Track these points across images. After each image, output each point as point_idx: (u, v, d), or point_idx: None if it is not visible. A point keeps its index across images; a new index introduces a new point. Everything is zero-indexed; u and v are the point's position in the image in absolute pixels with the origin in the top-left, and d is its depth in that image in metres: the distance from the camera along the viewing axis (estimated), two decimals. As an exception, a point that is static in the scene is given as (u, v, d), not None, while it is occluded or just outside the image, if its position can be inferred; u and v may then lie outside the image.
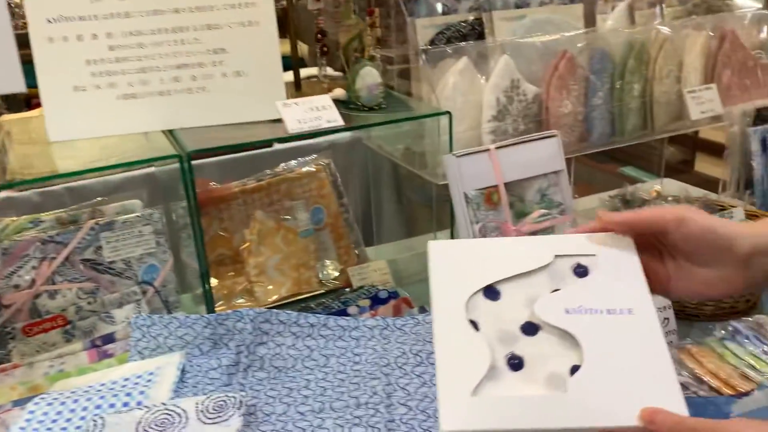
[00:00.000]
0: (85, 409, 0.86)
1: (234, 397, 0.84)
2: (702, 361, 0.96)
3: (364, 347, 0.96)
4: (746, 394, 0.86)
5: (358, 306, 1.13)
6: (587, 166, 2.84)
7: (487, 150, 1.02)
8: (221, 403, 0.83)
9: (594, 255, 0.64)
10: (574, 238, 0.67)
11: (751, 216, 1.18)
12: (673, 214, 0.63)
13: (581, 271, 0.64)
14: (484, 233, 1.03)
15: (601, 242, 0.65)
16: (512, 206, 1.06)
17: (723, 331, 1.00)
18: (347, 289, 1.23)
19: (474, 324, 0.60)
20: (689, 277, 0.65)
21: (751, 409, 0.83)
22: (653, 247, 0.67)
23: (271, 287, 1.21)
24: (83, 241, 1.05)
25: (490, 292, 0.63)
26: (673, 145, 3.14)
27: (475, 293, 0.62)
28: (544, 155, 1.05)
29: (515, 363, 0.58)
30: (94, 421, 0.81)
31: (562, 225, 1.07)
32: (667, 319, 1.04)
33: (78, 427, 0.82)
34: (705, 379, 0.93)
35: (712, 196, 1.36)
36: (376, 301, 1.14)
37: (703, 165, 3.10)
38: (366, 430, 0.81)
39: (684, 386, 0.94)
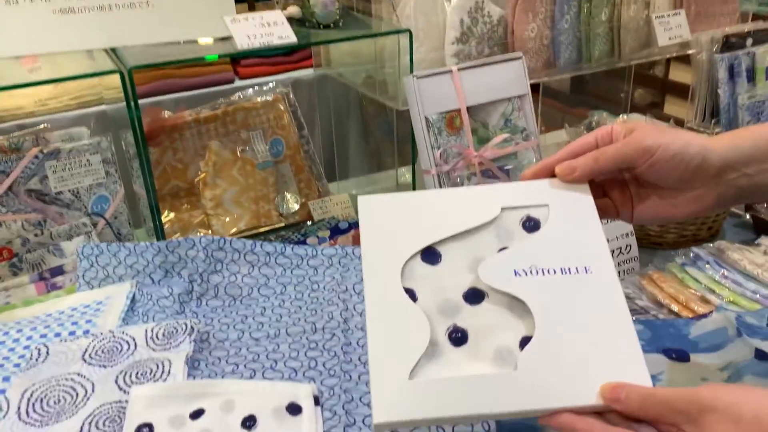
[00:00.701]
0: (29, 338, 0.83)
1: (185, 323, 0.81)
2: (662, 286, 0.96)
3: (322, 275, 0.94)
4: (704, 316, 0.85)
5: (317, 237, 1.11)
6: (558, 110, 2.81)
7: (450, 71, 0.98)
8: (171, 329, 0.81)
9: (546, 205, 0.58)
10: (522, 186, 0.59)
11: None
12: (638, 146, 0.57)
13: (531, 225, 0.57)
14: (445, 159, 1.00)
15: (552, 189, 0.58)
16: (475, 132, 1.03)
17: (684, 257, 1.00)
18: (308, 223, 1.21)
19: (411, 293, 0.53)
20: (656, 200, 0.60)
21: (709, 329, 0.83)
22: (616, 175, 0.62)
23: (228, 220, 1.17)
24: (27, 170, 1.01)
25: (429, 254, 0.56)
26: (643, 88, 3.12)
27: (412, 257, 0.55)
28: (508, 78, 1.02)
29: (458, 337, 0.51)
30: (38, 349, 0.78)
31: (526, 150, 1.04)
32: (629, 246, 1.03)
33: (21, 357, 0.79)
34: (664, 303, 0.93)
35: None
36: (336, 231, 1.11)
37: (672, 108, 3.09)
38: (322, 353, 0.80)
39: (644, 310, 0.94)
